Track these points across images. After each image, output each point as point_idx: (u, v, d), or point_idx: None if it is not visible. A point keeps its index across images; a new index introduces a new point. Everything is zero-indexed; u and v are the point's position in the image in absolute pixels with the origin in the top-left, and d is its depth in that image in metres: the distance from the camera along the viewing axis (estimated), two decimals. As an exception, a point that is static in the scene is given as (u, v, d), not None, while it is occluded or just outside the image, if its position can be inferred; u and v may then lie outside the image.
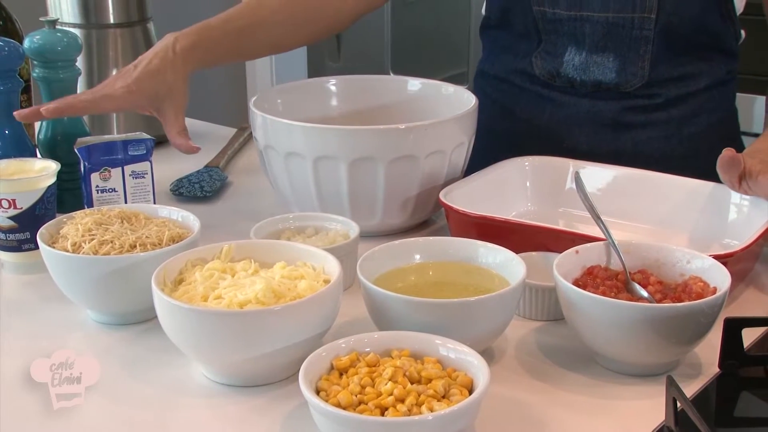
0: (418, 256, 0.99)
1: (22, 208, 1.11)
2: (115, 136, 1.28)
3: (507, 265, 0.96)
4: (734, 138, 1.41)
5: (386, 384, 0.77)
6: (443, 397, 0.77)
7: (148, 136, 1.24)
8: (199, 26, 1.27)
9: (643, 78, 1.31)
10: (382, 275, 0.95)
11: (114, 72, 1.54)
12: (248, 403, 0.87)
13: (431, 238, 1.04)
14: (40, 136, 1.30)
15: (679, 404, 0.78)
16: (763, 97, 1.37)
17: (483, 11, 1.45)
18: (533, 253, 1.03)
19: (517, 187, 1.24)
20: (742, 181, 1.07)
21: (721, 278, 0.91)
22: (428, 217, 1.26)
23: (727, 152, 1.06)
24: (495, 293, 0.89)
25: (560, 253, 0.95)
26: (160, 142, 1.60)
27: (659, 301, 0.91)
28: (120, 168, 1.18)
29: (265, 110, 1.22)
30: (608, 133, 1.35)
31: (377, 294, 0.89)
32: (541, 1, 1.31)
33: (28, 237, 1.11)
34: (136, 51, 1.57)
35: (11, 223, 1.11)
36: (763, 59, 1.35)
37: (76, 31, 1.48)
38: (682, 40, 1.29)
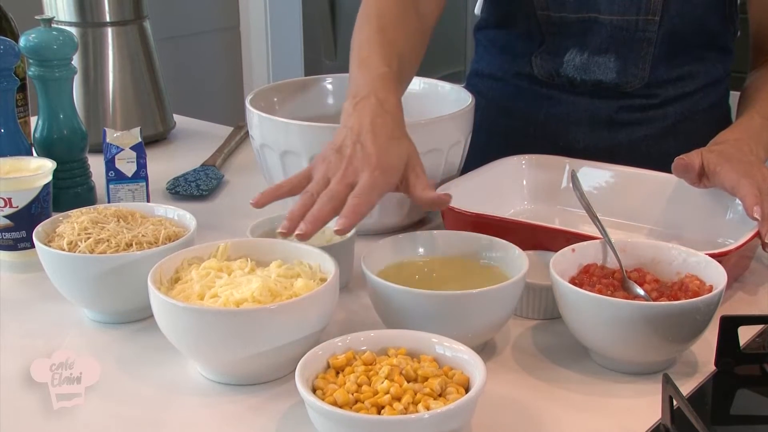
0: (422, 250, 1.00)
1: (17, 207, 1.11)
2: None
3: (509, 259, 0.96)
4: None
5: (382, 382, 0.77)
6: (439, 395, 0.77)
7: (139, 139, 1.25)
8: (390, 77, 1.10)
9: (643, 79, 1.31)
10: (386, 267, 0.96)
11: (112, 71, 1.55)
12: (245, 402, 0.87)
13: (435, 231, 1.04)
14: (36, 135, 1.29)
15: (675, 402, 0.78)
16: None
17: (476, 11, 1.45)
18: (529, 252, 1.02)
19: (513, 186, 1.24)
20: (702, 177, 1.09)
21: (717, 276, 0.91)
22: (425, 215, 1.26)
23: (678, 161, 1.10)
24: (497, 285, 0.89)
25: (556, 251, 0.95)
26: (156, 140, 1.61)
27: (655, 300, 0.91)
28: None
29: (261, 108, 1.22)
30: (604, 131, 1.35)
31: (381, 286, 0.90)
32: (546, 6, 1.31)
33: (24, 236, 1.11)
34: (132, 50, 1.57)
35: (7, 221, 1.11)
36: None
37: (72, 30, 1.48)
38: (684, 42, 1.30)
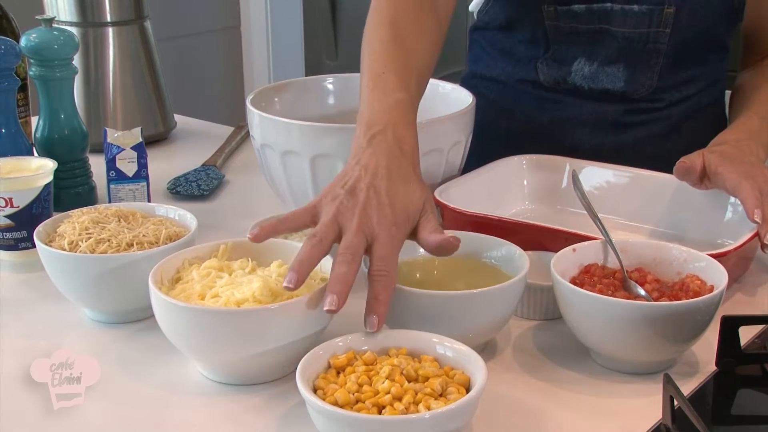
0: (422, 250, 0.99)
1: (18, 207, 1.11)
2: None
3: (510, 259, 0.96)
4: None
5: (383, 382, 0.77)
6: (440, 395, 0.77)
7: (140, 139, 1.25)
8: (407, 105, 1.03)
9: (650, 87, 1.31)
10: None
11: (112, 71, 1.55)
12: (245, 402, 0.87)
13: None
14: (36, 135, 1.30)
15: (676, 402, 0.78)
16: None
17: (471, 8, 1.44)
18: (530, 252, 1.02)
19: (514, 186, 1.24)
20: (704, 178, 1.09)
21: (718, 276, 0.91)
22: (425, 215, 1.26)
23: (680, 164, 1.10)
24: (498, 285, 0.89)
25: (557, 252, 0.95)
26: (157, 140, 1.61)
27: (656, 300, 0.91)
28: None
29: (262, 108, 1.22)
30: (609, 132, 1.34)
31: None
32: (555, 17, 1.30)
33: (25, 235, 1.11)
34: (132, 50, 1.57)
35: (8, 221, 1.11)
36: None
37: (73, 30, 1.48)
38: (692, 50, 1.30)
